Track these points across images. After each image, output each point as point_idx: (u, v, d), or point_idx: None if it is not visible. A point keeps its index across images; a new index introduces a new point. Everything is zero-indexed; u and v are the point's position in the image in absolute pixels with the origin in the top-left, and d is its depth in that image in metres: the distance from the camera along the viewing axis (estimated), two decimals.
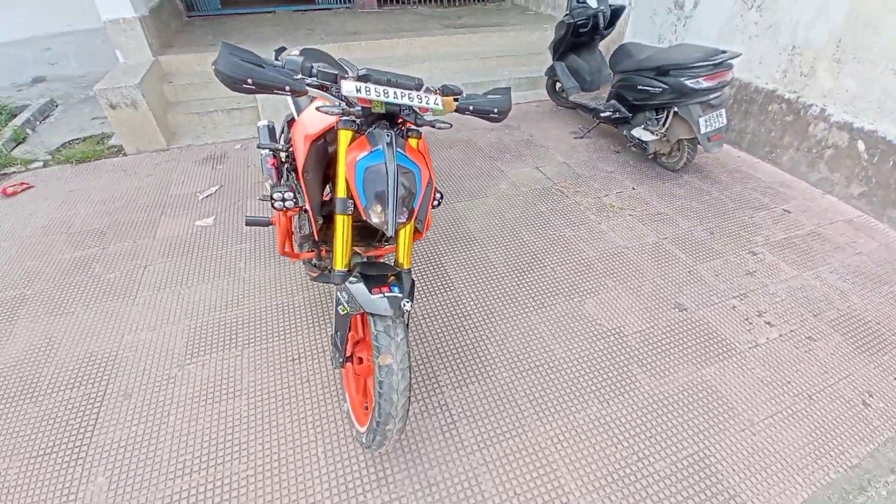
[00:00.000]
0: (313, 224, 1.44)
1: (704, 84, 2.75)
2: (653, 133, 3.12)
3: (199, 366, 1.89)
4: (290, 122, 2.47)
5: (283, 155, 2.35)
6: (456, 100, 1.41)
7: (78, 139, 3.79)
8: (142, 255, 2.52)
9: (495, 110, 1.44)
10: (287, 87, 1.19)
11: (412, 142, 1.41)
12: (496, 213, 2.86)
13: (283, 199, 1.47)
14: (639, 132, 3.21)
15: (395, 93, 1.25)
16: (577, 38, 3.70)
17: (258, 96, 3.94)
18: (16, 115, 3.96)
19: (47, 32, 4.68)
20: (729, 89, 3.64)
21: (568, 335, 2.04)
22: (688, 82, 2.76)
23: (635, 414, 1.73)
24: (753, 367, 1.93)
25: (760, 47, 3.40)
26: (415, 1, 6.39)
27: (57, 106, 4.49)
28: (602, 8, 3.42)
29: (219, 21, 5.39)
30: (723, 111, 2.91)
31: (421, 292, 2.26)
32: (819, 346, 2.03)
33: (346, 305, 1.32)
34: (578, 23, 3.52)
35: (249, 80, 1.15)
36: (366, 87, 1.23)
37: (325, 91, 1.26)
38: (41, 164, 3.42)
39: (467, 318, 2.12)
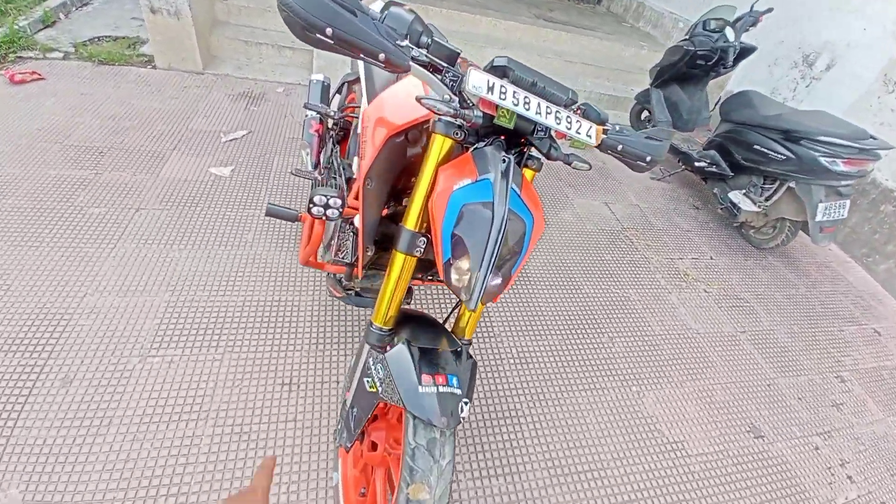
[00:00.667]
0: (360, 254, 1.02)
1: (841, 167, 2.27)
2: (753, 202, 2.66)
3: (164, 361, 1.50)
4: (351, 82, 2.03)
5: (330, 122, 1.92)
6: (605, 131, 0.98)
7: (109, 37, 3.35)
8: (137, 193, 2.11)
9: (648, 158, 1.01)
10: (381, 56, 0.75)
11: (528, 175, 0.99)
12: (554, 250, 2.43)
13: (327, 206, 1.04)
14: (736, 196, 2.74)
15: (538, 105, 0.83)
16: (689, 69, 3.20)
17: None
18: None
19: None
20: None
21: (620, 436, 1.64)
22: (822, 159, 2.28)
23: None
24: None
25: (891, 137, 2.90)
26: None
27: None
28: (735, 44, 2.90)
29: None
30: (847, 202, 2.44)
31: None
32: None
33: (375, 383, 0.91)
34: (699, 52, 3.01)
35: (329, 31, 0.70)
36: (502, 87, 0.80)
37: (439, 73, 0.83)
38: (61, 55, 3.00)
39: (503, 380, 1.71)
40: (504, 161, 0.84)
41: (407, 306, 1.14)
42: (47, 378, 1.39)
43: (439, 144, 0.89)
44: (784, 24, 3.63)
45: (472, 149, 0.89)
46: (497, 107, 0.83)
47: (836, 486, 1.70)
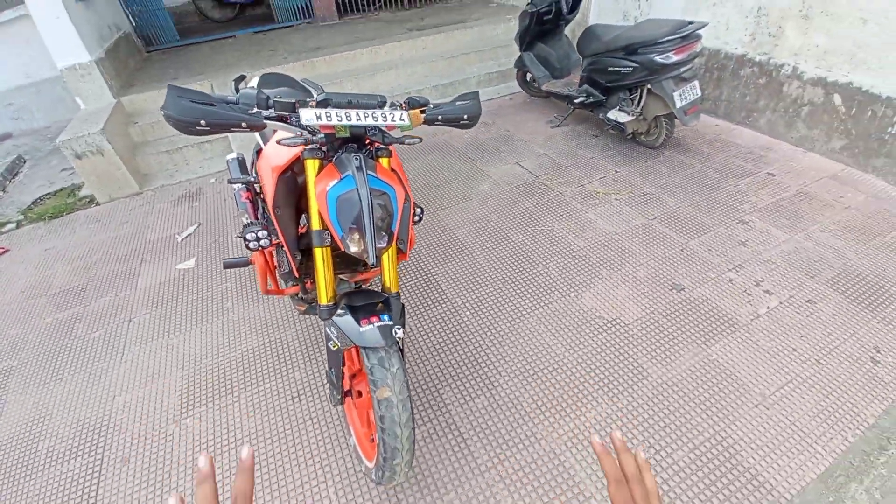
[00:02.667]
0: (291, 261, 1.39)
1: (674, 58, 2.71)
2: (628, 114, 3.08)
3: (195, 418, 1.83)
4: (259, 151, 2.41)
5: (256, 187, 2.29)
6: (423, 112, 1.36)
7: (49, 194, 3.69)
8: (125, 308, 2.45)
9: (465, 117, 1.39)
10: (244, 124, 1.14)
11: (383, 161, 1.36)
12: (481, 217, 2.82)
13: (258, 239, 1.41)
14: (614, 114, 3.17)
15: (357, 114, 1.20)
16: (541, 27, 3.66)
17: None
18: None
19: (7, 87, 4.56)
20: (699, 59, 3.62)
21: (568, 332, 2.00)
22: (657, 58, 2.72)
23: (646, 405, 1.70)
24: (758, 338, 1.90)
25: (726, 13, 3.37)
26: (375, 8, 6.31)
27: (25, 162, 4.39)
28: None
29: (179, 52, 5.30)
30: (696, 83, 2.87)
31: (414, 310, 2.21)
32: (820, 308, 2.01)
33: (336, 341, 1.27)
34: (541, 10, 3.47)
35: (203, 122, 1.09)
36: (326, 113, 1.18)
37: (286, 122, 1.21)
38: (14, 225, 3.33)
39: (464, 329, 2.07)
40: (356, 160, 1.23)
41: (349, 290, 1.50)
42: (109, 464, 1.71)
43: (311, 165, 1.27)
44: None
45: (333, 159, 1.27)
46: (334, 126, 1.21)
47: (756, 301, 2.08)
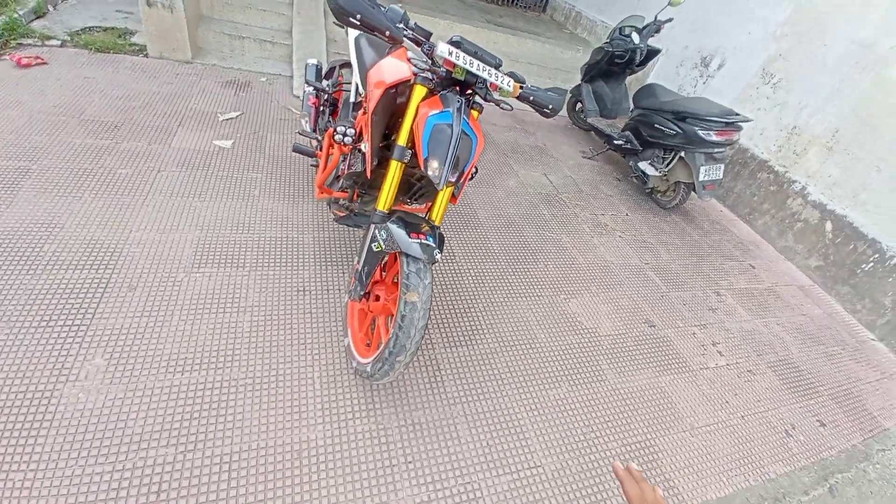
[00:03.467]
0: (368, 163, 1.55)
1: (714, 137, 3.02)
2: (656, 169, 3.38)
3: (205, 276, 1.95)
4: (342, 66, 2.53)
5: (324, 97, 2.42)
6: (521, 87, 1.57)
7: (98, 27, 3.64)
8: (156, 158, 2.51)
9: (550, 106, 1.60)
10: (387, 33, 1.31)
11: (475, 113, 1.55)
12: (502, 206, 3.03)
13: (345, 134, 1.57)
14: (644, 165, 3.46)
15: (478, 65, 1.39)
16: (609, 67, 3.93)
17: (294, 35, 3.93)
18: None
19: None
20: (729, 150, 3.98)
21: (550, 324, 2.24)
22: (701, 132, 3.02)
23: (598, 400, 1.94)
24: (701, 384, 2.19)
25: (765, 120, 3.74)
26: None
27: None
28: (642, 45, 3.65)
29: None
30: (722, 166, 3.20)
31: None
32: (757, 380, 2.33)
33: (381, 244, 1.44)
34: (616, 53, 3.74)
35: (358, 16, 1.26)
36: (456, 53, 1.36)
37: (418, 45, 1.38)
38: (58, 42, 3.28)
39: (464, 290, 2.27)
40: (458, 101, 1.42)
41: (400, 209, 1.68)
42: (115, 286, 1.80)
43: (419, 91, 1.45)
44: (687, 32, 4.46)
45: (440, 93, 1.45)
46: (455, 65, 1.39)
47: (709, 356, 2.38)
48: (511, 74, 1.62)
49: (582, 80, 4.21)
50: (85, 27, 3.58)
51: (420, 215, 1.57)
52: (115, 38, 3.55)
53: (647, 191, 3.70)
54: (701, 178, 3.14)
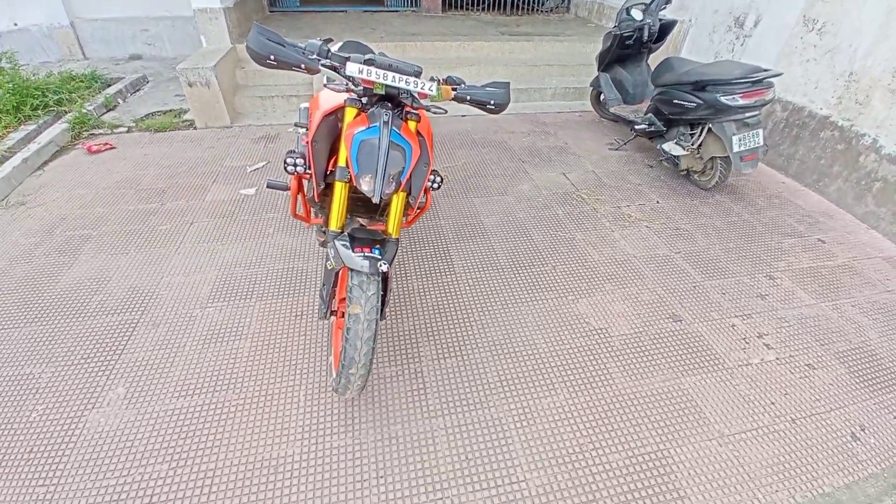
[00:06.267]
0: (315, 187, 1.64)
1: (741, 101, 2.68)
2: (683, 148, 3.07)
3: (216, 309, 2.16)
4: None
5: None
6: (454, 89, 1.56)
7: (160, 112, 4.33)
8: (191, 213, 2.87)
9: (492, 102, 1.57)
10: (302, 65, 1.41)
11: (411, 124, 1.57)
12: (512, 212, 2.95)
13: (295, 164, 1.68)
14: (670, 146, 3.16)
15: (394, 77, 1.42)
16: (623, 50, 3.70)
17: (314, 84, 4.30)
18: (110, 86, 4.60)
19: (147, 14, 5.34)
20: (782, 112, 3.49)
21: (552, 329, 2.10)
22: (723, 98, 2.70)
23: (602, 407, 1.76)
24: (738, 383, 1.88)
25: (817, 71, 3.23)
26: (479, 7, 6.59)
27: (147, 82, 5.14)
28: (648, 21, 3.40)
29: (296, 17, 5.90)
30: (759, 131, 2.81)
31: (421, 271, 2.40)
32: (818, 375, 1.94)
33: (332, 261, 1.49)
34: (625, 35, 3.53)
35: (272, 57, 1.38)
36: (368, 70, 1.40)
37: (336, 71, 1.45)
38: (125, 129, 3.96)
39: (459, 300, 2.23)
40: (386, 115, 1.45)
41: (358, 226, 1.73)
42: (143, 324, 2.07)
43: (349, 112, 1.52)
44: None
45: (368, 111, 1.50)
46: (373, 82, 1.43)
47: (752, 350, 2.05)
48: (448, 79, 1.63)
49: (598, 69, 4.01)
50: (148, 113, 4.28)
51: (377, 231, 1.61)
52: (172, 118, 4.18)
53: (683, 173, 3.35)
54: (736, 150, 2.78)
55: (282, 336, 2.02)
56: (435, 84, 1.46)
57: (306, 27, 5.35)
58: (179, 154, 3.61)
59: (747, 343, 2.08)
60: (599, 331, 2.10)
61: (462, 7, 6.54)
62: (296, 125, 2.49)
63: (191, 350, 1.95)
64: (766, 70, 2.68)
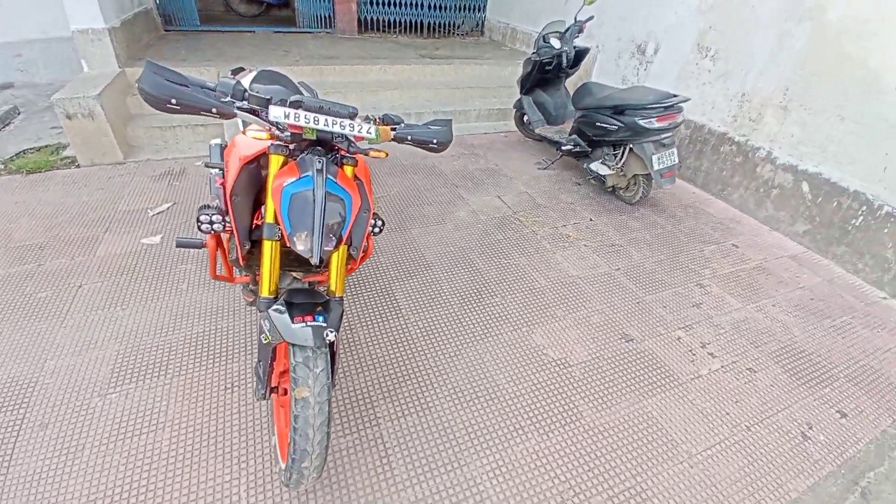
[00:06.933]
0: (238, 248, 1.40)
1: (657, 124, 2.86)
2: (609, 168, 3.22)
3: (121, 395, 1.78)
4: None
5: None
6: (394, 129, 1.43)
7: (33, 149, 3.65)
8: (78, 273, 2.40)
9: (434, 141, 1.45)
10: (214, 110, 1.19)
11: (347, 169, 1.41)
12: (452, 241, 2.86)
13: (211, 222, 1.43)
14: (596, 166, 3.30)
15: (325, 120, 1.25)
16: (543, 75, 3.84)
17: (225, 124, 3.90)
18: None
19: (20, 38, 4.55)
20: (685, 130, 3.82)
21: (513, 365, 2.02)
22: (641, 122, 2.87)
23: (575, 447, 1.70)
24: (694, 398, 1.93)
25: (713, 93, 3.59)
26: (395, 30, 6.55)
27: (19, 113, 4.35)
28: (566, 48, 3.57)
29: (195, 36, 5.39)
30: (674, 150, 3.03)
31: (366, 318, 2.21)
32: (759, 378, 2.06)
33: (268, 334, 1.27)
34: (544, 60, 3.66)
35: (173, 101, 1.14)
36: (295, 114, 1.22)
37: (256, 115, 1.25)
38: None
39: (412, 345, 2.08)
40: (320, 162, 1.28)
41: (298, 285, 1.51)
42: (28, 426, 1.64)
43: (275, 161, 1.32)
44: (618, 24, 4.40)
45: (297, 158, 1.31)
46: (302, 127, 1.26)
47: (699, 362, 2.13)
48: (384, 117, 1.49)
49: (521, 92, 4.12)
50: (19, 151, 3.59)
51: (316, 290, 1.41)
52: (48, 155, 3.55)
53: (609, 189, 3.52)
54: (656, 167, 2.96)
55: (211, 418, 1.70)
56: (372, 126, 1.32)
57: (209, 49, 4.90)
58: (60, 199, 3.05)
59: (694, 355, 2.16)
60: (558, 362, 2.05)
61: (378, 29, 6.46)
62: (206, 165, 2.18)
63: (92, 453, 1.57)
64: (675, 95, 2.90)
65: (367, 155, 1.37)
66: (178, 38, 5.22)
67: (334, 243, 1.25)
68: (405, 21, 6.50)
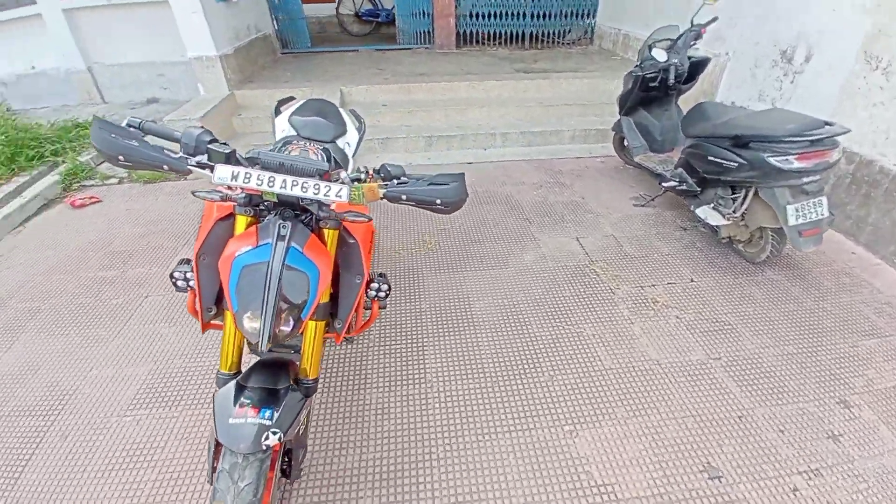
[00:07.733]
0: (200, 315, 1.25)
1: (796, 164, 2.11)
2: (723, 216, 2.50)
3: (133, 420, 1.79)
4: None
5: None
6: (384, 186, 1.15)
7: None
8: (150, 283, 2.58)
9: (439, 201, 1.14)
10: (165, 167, 1.05)
11: (327, 233, 1.18)
12: (508, 292, 2.47)
13: (186, 280, 1.30)
14: (705, 212, 2.60)
15: (284, 181, 1.03)
16: (647, 93, 3.21)
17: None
18: None
19: (163, 59, 5.32)
20: (846, 165, 2.86)
21: (538, 481, 1.58)
22: (772, 159, 2.14)
23: None
24: None
25: (887, 118, 2.61)
26: (495, 43, 6.27)
27: None
28: (675, 61, 2.89)
29: (306, 58, 5.79)
30: (823, 199, 2.21)
31: (384, 378, 1.96)
32: None
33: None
34: (647, 76, 3.04)
35: (122, 157, 1.03)
36: (246, 174, 1.02)
37: (213, 172, 1.08)
38: (117, 180, 3.82)
39: (425, 424, 1.76)
40: (285, 228, 1.06)
41: (270, 356, 1.32)
42: (51, 434, 1.74)
43: (240, 222, 1.14)
44: (756, 25, 3.53)
45: (260, 222, 1.11)
46: (258, 190, 1.05)
47: None
48: (381, 170, 1.21)
49: (620, 113, 3.52)
50: None
51: (292, 361, 1.21)
52: None
53: (724, 241, 2.76)
54: (792, 223, 2.20)
55: (200, 464, 1.61)
56: (345, 188, 1.06)
57: (314, 69, 5.19)
58: (163, 208, 3.39)
59: None
60: (604, 487, 1.56)
61: (478, 42, 6.24)
62: (194, 194, 2.14)
63: (90, 478, 1.59)
64: (828, 125, 2.11)
65: (342, 221, 1.13)
66: (291, 60, 5.64)
67: (292, 325, 1.04)
68: (505, 32, 6.17)
